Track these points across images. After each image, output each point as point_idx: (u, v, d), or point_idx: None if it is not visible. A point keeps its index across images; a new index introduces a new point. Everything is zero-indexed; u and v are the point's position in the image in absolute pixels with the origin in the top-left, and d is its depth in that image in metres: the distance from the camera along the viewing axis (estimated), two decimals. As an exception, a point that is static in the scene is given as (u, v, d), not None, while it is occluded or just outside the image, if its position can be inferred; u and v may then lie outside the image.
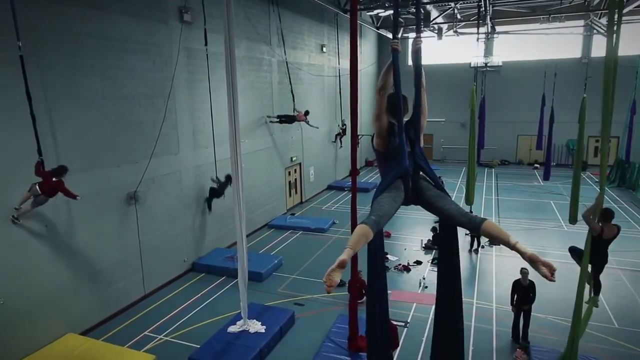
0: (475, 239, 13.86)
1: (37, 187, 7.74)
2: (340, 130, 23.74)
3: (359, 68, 7.87)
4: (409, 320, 9.62)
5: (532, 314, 8.82)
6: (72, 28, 8.92)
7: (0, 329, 7.85)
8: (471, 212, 13.68)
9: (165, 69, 11.37)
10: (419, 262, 12.99)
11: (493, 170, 27.41)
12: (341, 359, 8.06)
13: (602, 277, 7.06)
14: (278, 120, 16.90)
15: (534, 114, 21.45)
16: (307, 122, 17.95)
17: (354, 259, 8.21)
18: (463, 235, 14.92)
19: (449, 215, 3.79)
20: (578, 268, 7.37)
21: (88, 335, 9.32)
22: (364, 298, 10.44)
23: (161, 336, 9.38)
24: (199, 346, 8.66)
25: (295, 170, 19.83)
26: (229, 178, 12.76)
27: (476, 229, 3.66)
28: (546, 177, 18.12)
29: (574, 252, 7.52)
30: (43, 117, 8.20)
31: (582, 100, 10.78)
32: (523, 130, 28.30)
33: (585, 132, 10.30)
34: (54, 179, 7.80)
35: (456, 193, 21.17)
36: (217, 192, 12.91)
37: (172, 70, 11.41)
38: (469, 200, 12.85)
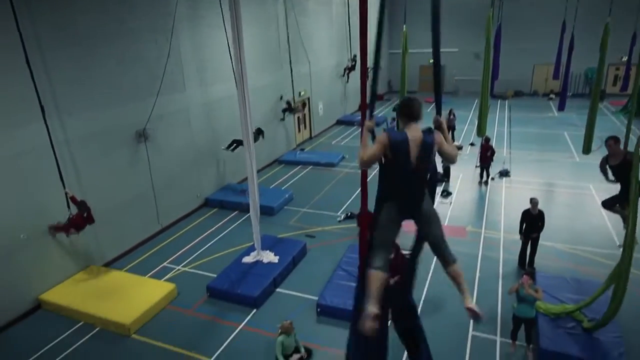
0: (485, 170, 13.85)
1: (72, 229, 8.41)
2: (350, 65, 23.05)
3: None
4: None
5: (539, 242, 9.01)
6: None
7: (29, 262, 8.29)
8: (488, 140, 13.62)
9: (166, 2, 10.86)
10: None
11: (506, 102, 26.71)
12: (352, 285, 8.37)
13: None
14: (283, 114, 17.35)
15: (553, 41, 20.49)
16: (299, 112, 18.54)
17: (364, 193, 8.27)
18: (473, 168, 14.91)
19: (430, 239, 3.77)
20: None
21: (110, 266, 9.80)
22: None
23: (179, 267, 9.83)
24: (215, 275, 9.08)
25: (303, 105, 19.55)
26: (259, 131, 13.05)
27: (443, 264, 3.69)
28: (561, 107, 17.63)
29: (607, 203, 7.41)
30: (36, 57, 7.99)
31: (605, 26, 10.21)
32: (540, 59, 27.21)
33: (606, 60, 9.87)
34: (84, 216, 8.42)
35: (467, 125, 20.87)
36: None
37: (174, 3, 10.88)
38: (480, 132, 12.67)
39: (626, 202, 6.34)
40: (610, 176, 7.31)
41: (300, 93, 18.71)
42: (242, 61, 8.24)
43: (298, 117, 19.04)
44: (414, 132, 3.59)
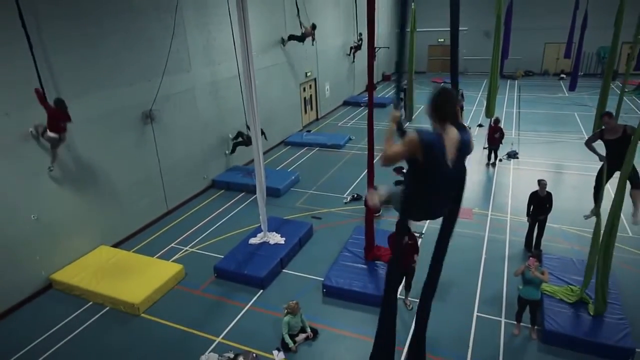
0: (493, 152, 13.72)
1: (48, 132, 7.85)
2: (356, 44, 22.70)
3: (375, -30, 7.25)
4: (423, 232, 9.90)
5: (546, 224, 8.96)
6: None
7: (39, 242, 8.41)
8: (498, 121, 13.45)
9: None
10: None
11: (516, 82, 26.32)
12: (358, 266, 8.46)
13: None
14: (288, 40, 16.47)
15: (565, 19, 20.01)
16: (313, 38, 17.32)
17: (370, 175, 8.25)
18: (481, 149, 14.78)
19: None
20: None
21: (119, 247, 9.91)
22: (380, 212, 10.71)
23: (187, 248, 9.93)
24: (222, 256, 9.16)
25: (310, 86, 19.38)
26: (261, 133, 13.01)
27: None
28: (572, 87, 17.37)
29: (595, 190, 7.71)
30: (42, 38, 7.99)
31: (621, 1, 9.93)
32: (551, 37, 26.63)
33: (620, 38, 9.62)
34: (61, 112, 7.89)
35: (476, 106, 20.60)
36: (248, 141, 12.61)
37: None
38: (489, 113, 12.51)
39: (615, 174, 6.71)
40: (602, 152, 7.36)
41: (306, 74, 18.51)
42: (247, 40, 8.12)
43: (306, 97, 18.88)
44: (451, 133, 3.08)
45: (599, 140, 7.26)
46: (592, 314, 6.81)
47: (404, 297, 7.73)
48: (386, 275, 4.24)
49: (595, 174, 7.74)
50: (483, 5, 24.74)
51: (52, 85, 8.18)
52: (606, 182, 7.24)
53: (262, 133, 13.12)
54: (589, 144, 7.46)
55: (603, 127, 7.11)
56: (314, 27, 17.04)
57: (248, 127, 12.61)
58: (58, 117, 7.85)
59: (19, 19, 7.27)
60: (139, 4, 10.01)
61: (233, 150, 13.49)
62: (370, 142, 7.94)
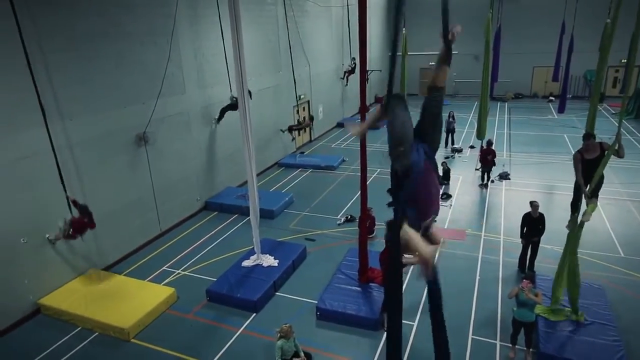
0: (486, 173, 13.84)
1: (70, 230, 8.39)
2: (350, 68, 23.08)
3: (367, -4, 7.44)
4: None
5: (539, 245, 8.99)
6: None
7: (28, 266, 8.28)
8: (491, 144, 13.57)
9: (165, 3, 10.89)
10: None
11: (506, 104, 26.76)
12: (351, 289, 8.40)
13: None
14: (289, 130, 17.52)
15: (552, 44, 20.50)
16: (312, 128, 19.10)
17: (364, 196, 8.28)
18: (473, 170, 14.91)
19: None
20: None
21: (110, 270, 9.78)
22: (374, 233, 10.71)
23: (179, 270, 9.81)
24: (215, 279, 9.06)
25: (303, 109, 19.56)
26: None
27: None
28: (561, 110, 17.67)
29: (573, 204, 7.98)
30: (37, 62, 8.03)
31: (605, 26, 10.22)
32: (539, 61, 27.21)
33: (606, 62, 9.88)
34: (85, 220, 8.43)
35: (467, 128, 20.86)
36: (235, 106, 12.39)
37: (174, 4, 10.91)
38: (480, 134, 12.67)
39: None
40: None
41: (300, 96, 18.70)
42: (242, 64, 8.24)
43: (300, 119, 19.02)
44: None
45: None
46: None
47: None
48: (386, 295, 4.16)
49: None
50: (472, 30, 25.28)
51: (46, 106, 8.19)
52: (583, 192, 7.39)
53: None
54: (576, 164, 7.42)
55: (580, 148, 7.29)
56: (312, 118, 18.53)
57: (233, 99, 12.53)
58: (83, 228, 8.45)
59: (21, 43, 7.35)
60: (134, 29, 10.13)
61: (221, 116, 13.18)
62: (363, 164, 8.00)
